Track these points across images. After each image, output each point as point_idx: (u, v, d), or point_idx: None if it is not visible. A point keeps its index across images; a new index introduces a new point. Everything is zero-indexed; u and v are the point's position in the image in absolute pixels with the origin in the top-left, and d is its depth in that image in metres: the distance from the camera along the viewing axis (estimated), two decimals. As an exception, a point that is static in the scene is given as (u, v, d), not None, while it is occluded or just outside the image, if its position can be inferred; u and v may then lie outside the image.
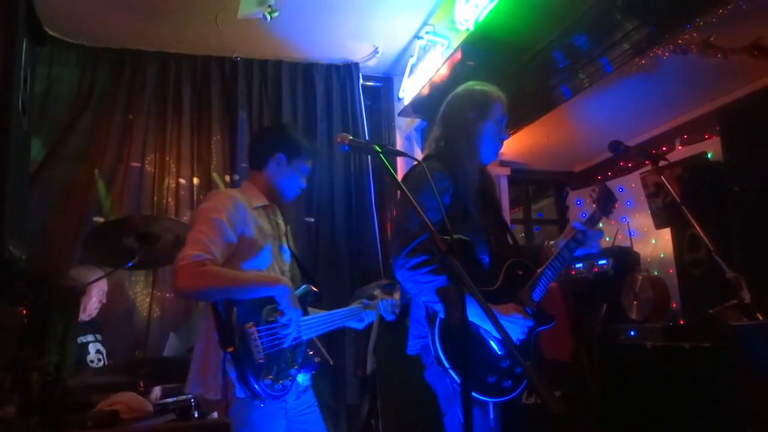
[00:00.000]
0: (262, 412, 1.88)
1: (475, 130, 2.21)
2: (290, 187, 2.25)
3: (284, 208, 4.44)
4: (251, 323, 1.85)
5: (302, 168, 2.26)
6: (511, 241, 2.36)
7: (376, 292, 2.56)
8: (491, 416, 2.00)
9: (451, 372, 1.94)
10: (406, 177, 2.23)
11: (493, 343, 2.04)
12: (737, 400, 2.33)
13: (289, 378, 1.94)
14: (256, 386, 1.80)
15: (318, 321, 2.18)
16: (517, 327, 2.03)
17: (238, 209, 1.99)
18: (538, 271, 2.17)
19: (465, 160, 2.16)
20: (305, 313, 2.12)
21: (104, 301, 3.64)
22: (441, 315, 1.98)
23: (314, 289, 2.21)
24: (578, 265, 4.01)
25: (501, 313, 1.99)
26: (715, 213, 2.83)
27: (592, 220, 2.21)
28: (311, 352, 2.11)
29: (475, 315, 1.86)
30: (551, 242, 2.34)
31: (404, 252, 1.96)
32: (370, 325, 3.79)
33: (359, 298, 3.92)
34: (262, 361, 1.82)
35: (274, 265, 2.11)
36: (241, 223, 1.98)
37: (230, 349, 1.79)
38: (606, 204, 2.24)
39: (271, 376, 1.85)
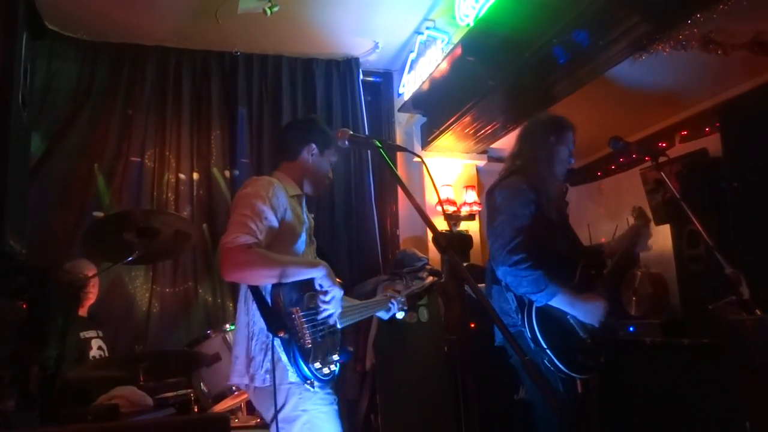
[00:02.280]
0: (319, 399, 1.90)
1: (554, 153, 2.56)
2: (321, 178, 2.29)
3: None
4: (297, 308, 1.86)
5: (332, 160, 2.31)
6: (577, 245, 2.72)
7: (389, 290, 2.62)
8: (579, 390, 2.38)
9: (548, 352, 2.27)
10: (499, 187, 2.55)
11: (577, 327, 2.40)
12: (736, 396, 2.34)
13: (333, 365, 1.95)
14: (306, 369, 1.81)
15: (351, 309, 2.19)
16: (599, 312, 2.40)
17: (279, 195, 2.01)
18: (605, 272, 2.57)
19: (547, 178, 2.52)
20: None
21: (96, 294, 3.64)
22: (537, 304, 2.34)
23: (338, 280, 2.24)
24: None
25: (586, 301, 2.38)
26: (714, 209, 2.83)
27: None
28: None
29: (563, 303, 2.33)
30: (610, 241, 2.75)
31: (505, 251, 2.33)
32: (370, 320, 3.83)
33: (360, 293, 3.94)
34: (310, 345, 1.83)
35: (308, 253, 2.16)
36: (282, 209, 2.01)
37: (281, 334, 1.79)
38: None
39: (319, 360, 1.86)
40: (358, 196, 4.72)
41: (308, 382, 1.84)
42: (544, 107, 3.95)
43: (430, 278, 3.86)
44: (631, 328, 3.25)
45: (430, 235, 1.62)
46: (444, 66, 4.06)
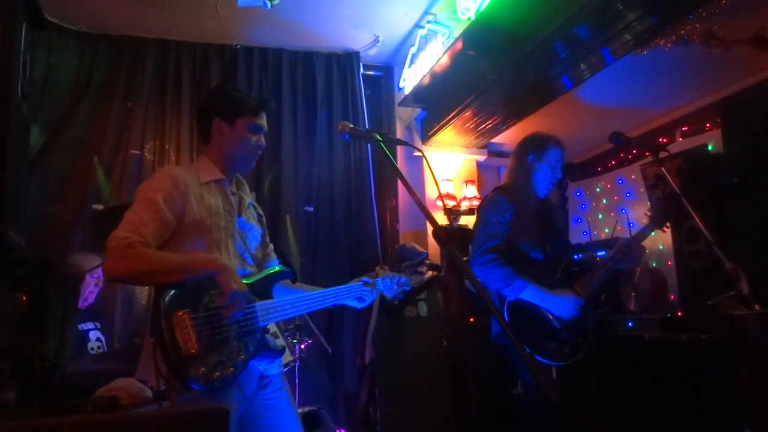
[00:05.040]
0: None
1: (532, 170, 2.77)
2: (242, 152, 1.99)
3: (284, 198, 4.52)
4: (185, 310, 1.67)
5: (250, 127, 1.98)
6: (566, 249, 2.92)
7: (379, 268, 2.54)
8: (554, 377, 2.59)
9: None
10: (482, 202, 2.93)
11: (552, 318, 2.59)
12: (735, 391, 2.34)
13: (231, 370, 1.73)
14: (185, 379, 1.63)
15: (287, 304, 1.95)
16: (569, 305, 2.57)
17: (177, 187, 1.82)
18: (593, 269, 2.67)
19: (524, 191, 2.76)
20: (267, 294, 1.93)
21: (101, 286, 3.63)
22: (509, 299, 2.59)
23: (285, 269, 2.02)
24: (577, 257, 4.01)
25: (556, 294, 2.58)
26: (714, 205, 2.83)
27: (638, 238, 2.67)
28: (274, 340, 1.90)
29: (534, 297, 2.56)
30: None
31: (477, 253, 2.62)
32: (369, 313, 3.84)
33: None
34: (193, 351, 1.64)
35: (227, 244, 1.91)
36: (179, 202, 1.82)
37: (151, 340, 1.62)
38: (658, 221, 2.68)
39: (203, 369, 1.65)
40: (358, 190, 4.71)
41: (189, 391, 1.65)
42: (546, 102, 3.96)
43: (430, 272, 3.86)
44: (630, 324, 3.26)
45: (430, 229, 1.62)
46: (445, 60, 4.05)
